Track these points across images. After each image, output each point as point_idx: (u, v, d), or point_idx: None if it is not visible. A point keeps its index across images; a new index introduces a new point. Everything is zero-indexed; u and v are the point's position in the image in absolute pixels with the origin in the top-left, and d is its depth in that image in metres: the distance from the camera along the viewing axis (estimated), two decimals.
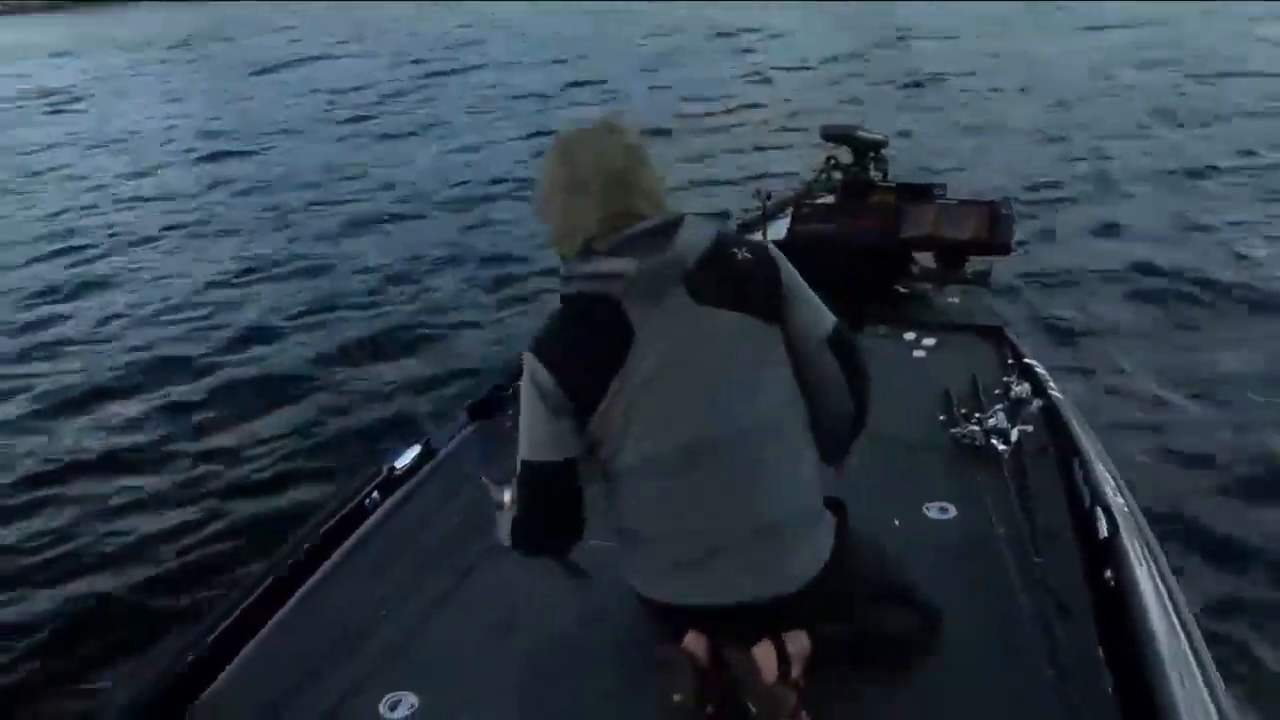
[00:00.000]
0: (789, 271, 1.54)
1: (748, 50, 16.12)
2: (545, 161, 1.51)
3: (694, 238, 1.46)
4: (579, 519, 1.57)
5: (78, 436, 4.95)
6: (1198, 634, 1.65)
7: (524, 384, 1.50)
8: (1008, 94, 10.93)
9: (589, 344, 1.45)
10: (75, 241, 9.17)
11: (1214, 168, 7.41)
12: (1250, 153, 7.71)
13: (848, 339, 1.59)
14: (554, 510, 1.56)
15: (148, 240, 9.08)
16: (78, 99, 18.93)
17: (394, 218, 8.77)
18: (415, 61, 19.02)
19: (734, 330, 1.45)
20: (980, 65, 12.99)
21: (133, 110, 17.21)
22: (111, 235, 9.40)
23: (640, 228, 1.45)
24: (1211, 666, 1.57)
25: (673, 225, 1.47)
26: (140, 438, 4.85)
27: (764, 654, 1.50)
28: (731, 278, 1.46)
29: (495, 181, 9.45)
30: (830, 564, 1.52)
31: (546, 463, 1.51)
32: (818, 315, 1.56)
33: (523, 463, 1.53)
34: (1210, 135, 8.33)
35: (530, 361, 1.48)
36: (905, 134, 8.47)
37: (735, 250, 1.50)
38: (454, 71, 17.51)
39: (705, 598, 1.51)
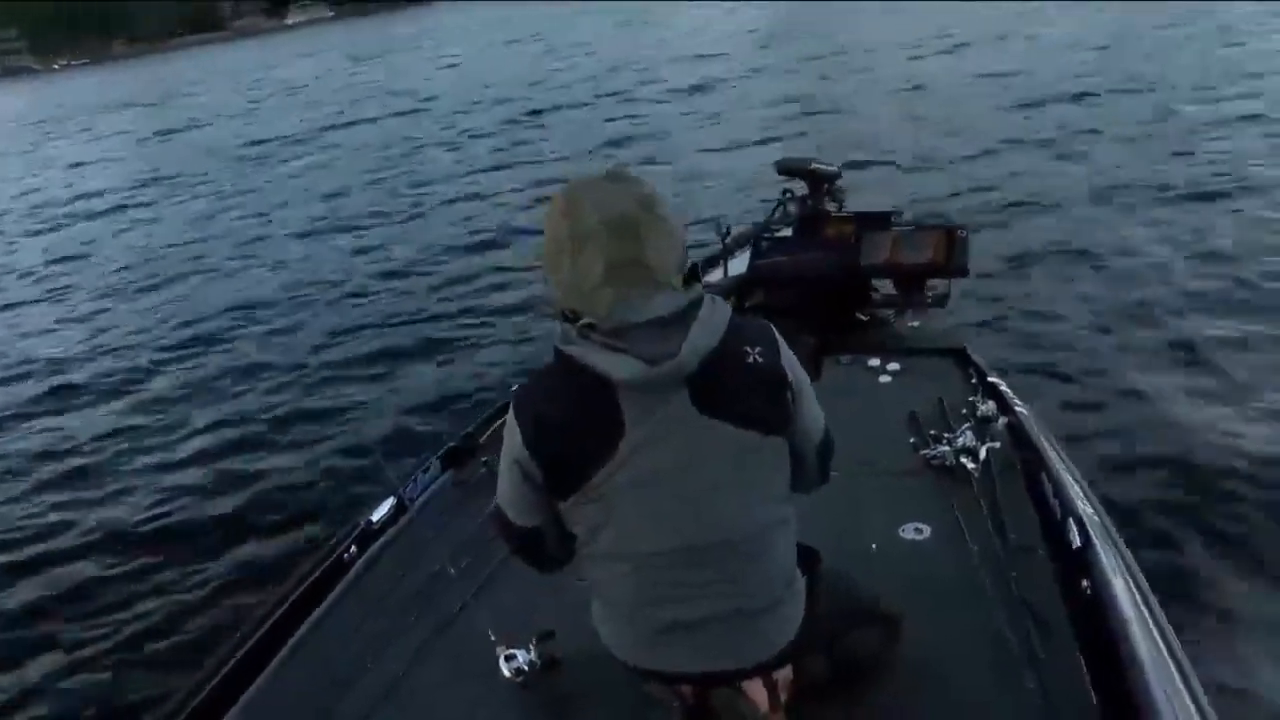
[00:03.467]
0: (797, 376, 1.44)
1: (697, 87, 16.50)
2: (548, 214, 1.38)
3: (706, 333, 1.33)
4: (554, 560, 1.55)
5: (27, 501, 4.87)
6: (1174, 638, 1.67)
7: (505, 435, 1.43)
8: (944, 115, 11.22)
9: (574, 428, 1.35)
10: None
11: (1147, 171, 7.65)
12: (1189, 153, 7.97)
13: (830, 442, 1.57)
14: (521, 553, 1.57)
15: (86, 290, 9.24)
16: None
17: (357, 260, 8.90)
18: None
19: (732, 444, 1.36)
20: (909, 85, 13.40)
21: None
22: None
23: (653, 314, 1.32)
24: (1190, 669, 1.59)
25: (686, 312, 1.34)
26: (102, 493, 4.84)
27: (754, 689, 1.52)
28: (738, 385, 1.36)
29: (461, 225, 9.62)
30: (806, 619, 1.52)
31: (511, 522, 1.50)
32: (815, 421, 1.51)
33: (496, 505, 1.52)
34: (1144, 145, 8.60)
35: (511, 421, 1.41)
36: (853, 164, 8.70)
37: (747, 350, 1.37)
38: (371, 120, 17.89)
39: (687, 666, 1.49)
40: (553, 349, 1.38)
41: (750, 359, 1.37)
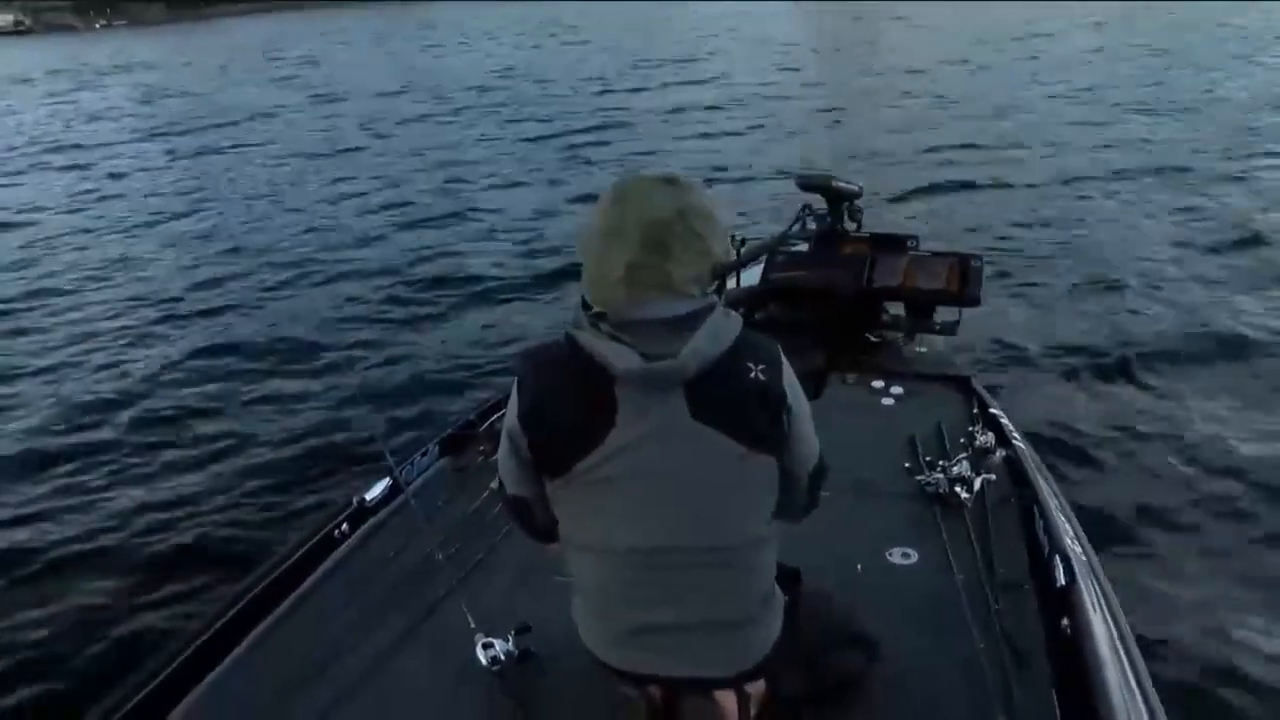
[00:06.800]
0: (796, 399, 1.43)
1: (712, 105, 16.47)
2: (597, 203, 1.42)
3: (710, 341, 1.33)
4: (541, 532, 1.57)
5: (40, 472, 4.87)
6: (1149, 683, 1.67)
7: (509, 403, 1.45)
8: (982, 145, 11.12)
9: (566, 411, 1.37)
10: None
11: (1187, 212, 7.57)
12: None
13: (824, 469, 1.55)
14: (513, 518, 1.60)
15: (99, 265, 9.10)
16: None
17: (360, 247, 8.80)
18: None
19: (721, 454, 1.35)
20: (954, 116, 13.29)
21: None
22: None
23: (663, 315, 1.35)
24: (1163, 716, 1.59)
25: (695, 317, 1.35)
26: (103, 466, 4.78)
27: (725, 699, 1.52)
28: (736, 397, 1.35)
29: (483, 218, 9.52)
30: (783, 635, 1.52)
31: (504, 488, 1.53)
32: (810, 447, 1.50)
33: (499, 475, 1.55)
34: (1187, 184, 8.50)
35: (513, 391, 1.44)
36: (875, 185, 8.67)
37: (750, 365, 1.37)
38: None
39: (658, 669, 1.49)
40: (563, 331, 1.40)
41: (752, 374, 1.37)
